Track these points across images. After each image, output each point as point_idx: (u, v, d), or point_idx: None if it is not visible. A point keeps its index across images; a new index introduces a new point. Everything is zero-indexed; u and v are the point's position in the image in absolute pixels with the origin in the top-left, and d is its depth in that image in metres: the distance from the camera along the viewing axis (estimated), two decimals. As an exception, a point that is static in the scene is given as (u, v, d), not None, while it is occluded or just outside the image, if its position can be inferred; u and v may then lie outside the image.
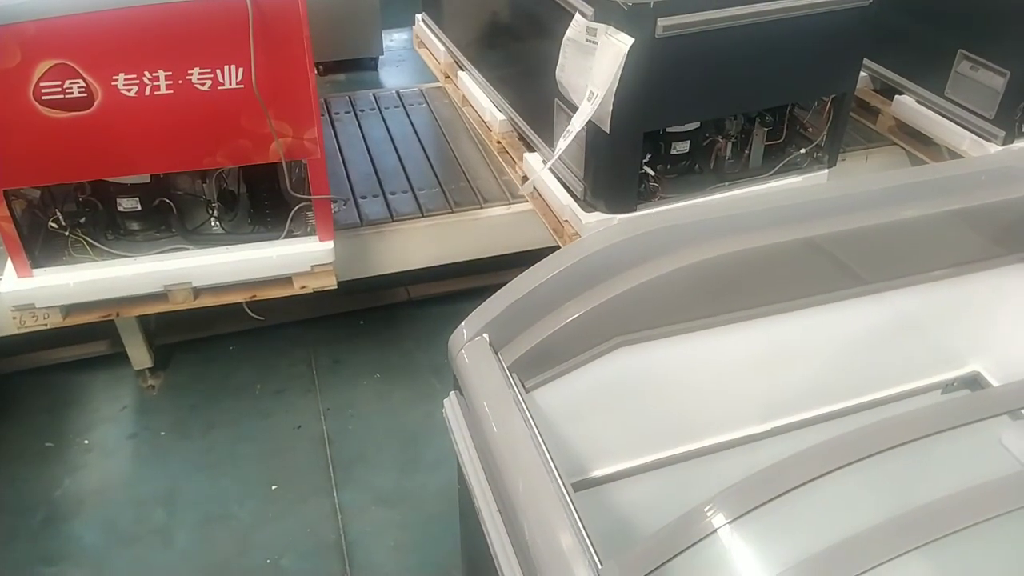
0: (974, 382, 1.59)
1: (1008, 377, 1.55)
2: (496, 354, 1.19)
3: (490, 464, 1.09)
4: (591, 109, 1.95)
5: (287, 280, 2.19)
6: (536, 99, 2.40)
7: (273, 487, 2.30)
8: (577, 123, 2.00)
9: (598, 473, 1.43)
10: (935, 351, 1.62)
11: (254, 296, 2.21)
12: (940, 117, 2.87)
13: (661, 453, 1.47)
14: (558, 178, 2.32)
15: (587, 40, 1.97)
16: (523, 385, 1.21)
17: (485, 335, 1.21)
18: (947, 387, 1.60)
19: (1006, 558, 1.12)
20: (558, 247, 2.44)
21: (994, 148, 2.68)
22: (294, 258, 2.14)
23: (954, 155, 2.80)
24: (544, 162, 2.35)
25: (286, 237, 2.14)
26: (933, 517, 0.89)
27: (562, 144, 2.08)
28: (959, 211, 1.40)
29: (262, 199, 2.21)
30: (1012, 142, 2.69)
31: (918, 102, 2.95)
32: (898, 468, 1.01)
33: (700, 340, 1.36)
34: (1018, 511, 0.88)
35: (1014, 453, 0.96)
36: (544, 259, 1.30)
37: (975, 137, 2.75)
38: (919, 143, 3.01)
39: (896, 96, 3.01)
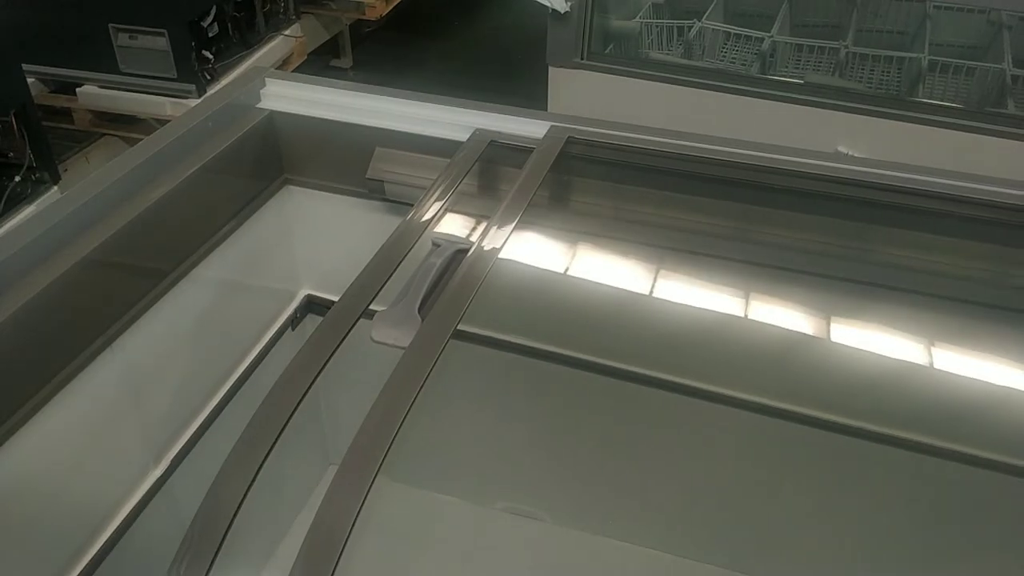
0: (312, 304, 1.66)
1: (330, 285, 1.65)
2: None
3: None
4: None
5: None
6: None
7: None
8: None
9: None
10: (273, 296, 1.64)
11: None
12: (130, 93, 2.83)
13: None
14: None
15: None
16: None
17: None
18: (295, 320, 1.64)
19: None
20: None
21: (194, 102, 2.75)
22: None
23: (165, 123, 2.81)
24: None
25: None
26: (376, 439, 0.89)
27: None
28: (207, 166, 1.37)
29: None
30: (207, 91, 2.80)
31: (102, 87, 2.84)
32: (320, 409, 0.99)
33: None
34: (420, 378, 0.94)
35: (389, 343, 1.01)
36: None
37: (173, 100, 2.78)
38: (128, 125, 2.94)
39: (78, 89, 2.85)
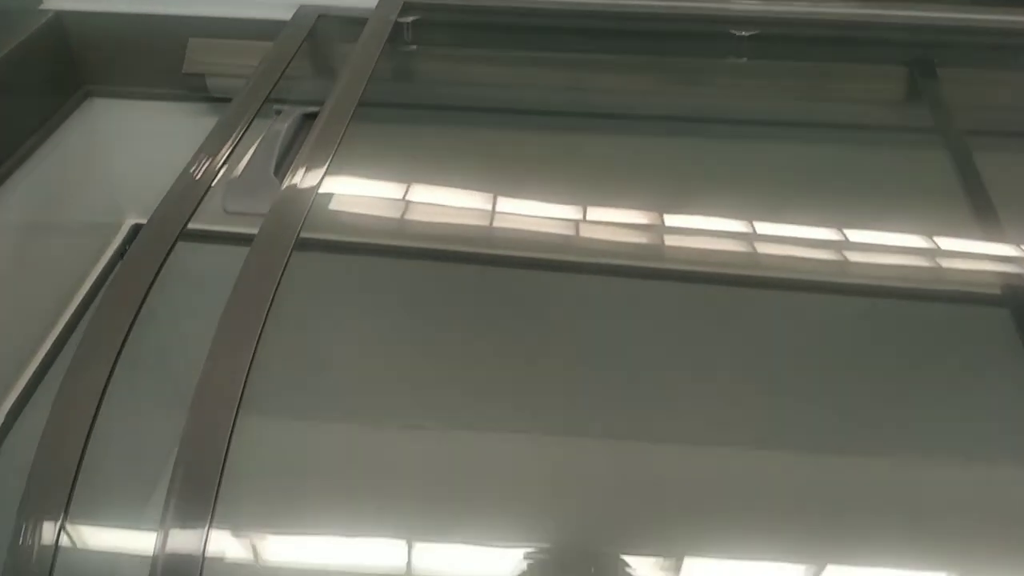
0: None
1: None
2: None
3: None
4: None
5: None
6: None
7: None
8: None
9: None
10: (93, 231, 1.45)
11: None
12: None
13: None
14: None
15: None
16: None
17: None
18: (124, 254, 1.46)
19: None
20: None
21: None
22: None
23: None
24: None
25: None
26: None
27: None
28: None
29: None
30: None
31: None
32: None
33: None
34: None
35: (245, 211, 0.90)
36: None
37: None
38: None
39: None
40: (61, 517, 0.67)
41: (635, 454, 1.67)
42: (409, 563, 1.02)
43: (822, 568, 1.11)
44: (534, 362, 1.58)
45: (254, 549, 0.90)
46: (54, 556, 0.66)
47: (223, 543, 0.70)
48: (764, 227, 1.42)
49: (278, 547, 1.10)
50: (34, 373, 1.28)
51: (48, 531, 0.66)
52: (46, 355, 1.31)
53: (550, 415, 1.64)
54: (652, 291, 1.49)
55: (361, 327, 1.44)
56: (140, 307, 0.79)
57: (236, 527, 0.81)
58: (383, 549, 1.10)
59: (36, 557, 0.65)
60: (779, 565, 1.11)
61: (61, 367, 1.32)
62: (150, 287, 0.81)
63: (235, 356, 0.75)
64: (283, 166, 0.95)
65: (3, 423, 1.20)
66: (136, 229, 1.48)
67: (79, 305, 1.38)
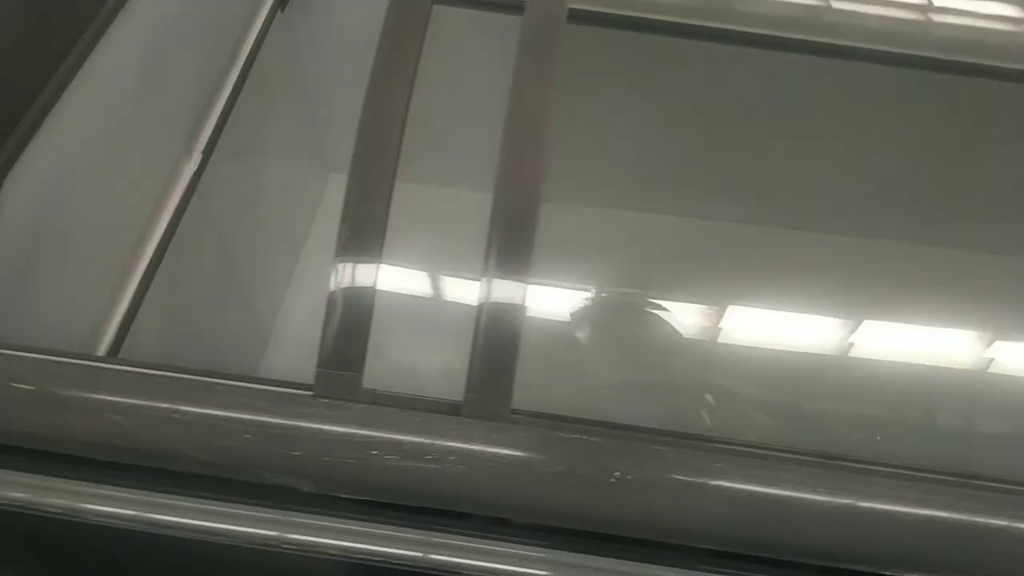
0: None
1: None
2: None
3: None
4: None
5: None
6: None
7: None
8: None
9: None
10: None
11: None
12: None
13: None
14: None
15: None
16: None
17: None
18: (283, 2, 1.44)
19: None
20: None
21: None
22: None
23: None
24: None
25: None
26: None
27: None
28: None
29: None
30: None
31: None
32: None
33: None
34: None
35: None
36: None
37: None
38: None
39: None
40: (377, 261, 0.75)
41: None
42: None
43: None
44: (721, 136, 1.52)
45: (565, 301, 0.96)
46: (372, 296, 0.75)
47: (539, 294, 0.76)
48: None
49: (584, 304, 1.14)
50: (223, 108, 1.30)
51: (366, 273, 0.75)
52: (232, 88, 1.32)
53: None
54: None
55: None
56: (415, 71, 0.82)
57: (549, 279, 0.85)
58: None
59: (357, 296, 0.74)
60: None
61: (245, 100, 1.33)
62: (420, 52, 0.83)
63: (533, 132, 0.78)
64: None
65: (210, 137, 1.25)
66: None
67: (253, 43, 1.37)
